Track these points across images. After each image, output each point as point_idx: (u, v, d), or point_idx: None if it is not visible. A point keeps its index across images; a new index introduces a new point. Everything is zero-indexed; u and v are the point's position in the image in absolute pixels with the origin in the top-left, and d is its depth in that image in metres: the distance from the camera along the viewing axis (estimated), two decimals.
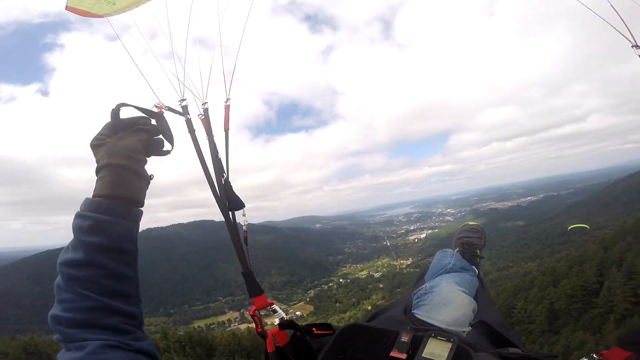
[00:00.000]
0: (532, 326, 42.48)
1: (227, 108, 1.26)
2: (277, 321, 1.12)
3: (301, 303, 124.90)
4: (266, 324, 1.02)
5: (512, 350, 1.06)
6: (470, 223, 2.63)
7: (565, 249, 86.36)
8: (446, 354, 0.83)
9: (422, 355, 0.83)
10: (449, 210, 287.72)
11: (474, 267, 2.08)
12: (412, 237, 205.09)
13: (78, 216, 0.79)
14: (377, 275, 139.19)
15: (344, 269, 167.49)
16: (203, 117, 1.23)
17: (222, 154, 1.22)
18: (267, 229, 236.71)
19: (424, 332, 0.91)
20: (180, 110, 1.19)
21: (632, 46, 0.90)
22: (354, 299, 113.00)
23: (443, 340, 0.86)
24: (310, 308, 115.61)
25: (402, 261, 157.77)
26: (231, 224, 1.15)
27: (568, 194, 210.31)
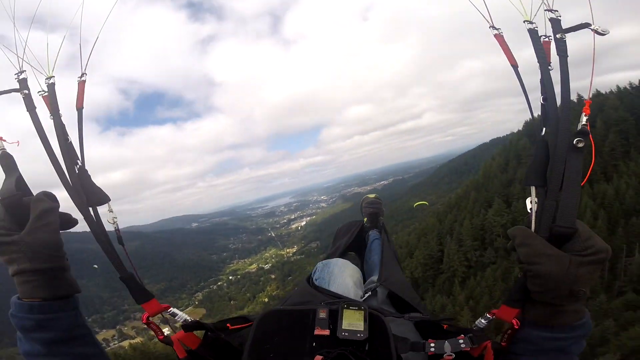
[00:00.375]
0: None
1: (81, 84, 1.04)
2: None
3: (189, 308, 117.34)
4: (172, 331, 0.94)
5: (413, 314, 1.13)
6: (369, 196, 2.93)
7: (412, 223, 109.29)
8: (362, 322, 0.89)
9: (343, 327, 0.88)
10: (322, 197, 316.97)
11: (378, 231, 2.58)
12: (294, 226, 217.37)
13: (13, 316, 0.77)
14: (267, 267, 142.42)
15: (231, 265, 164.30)
16: (46, 94, 0.99)
17: (73, 138, 1.00)
18: (129, 235, 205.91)
19: (337, 304, 0.95)
20: (18, 86, 0.97)
21: (490, 27, 1.00)
22: (248, 294, 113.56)
23: (355, 309, 0.92)
24: (203, 311, 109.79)
25: (288, 250, 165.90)
26: (94, 223, 0.90)
27: (410, 177, 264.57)
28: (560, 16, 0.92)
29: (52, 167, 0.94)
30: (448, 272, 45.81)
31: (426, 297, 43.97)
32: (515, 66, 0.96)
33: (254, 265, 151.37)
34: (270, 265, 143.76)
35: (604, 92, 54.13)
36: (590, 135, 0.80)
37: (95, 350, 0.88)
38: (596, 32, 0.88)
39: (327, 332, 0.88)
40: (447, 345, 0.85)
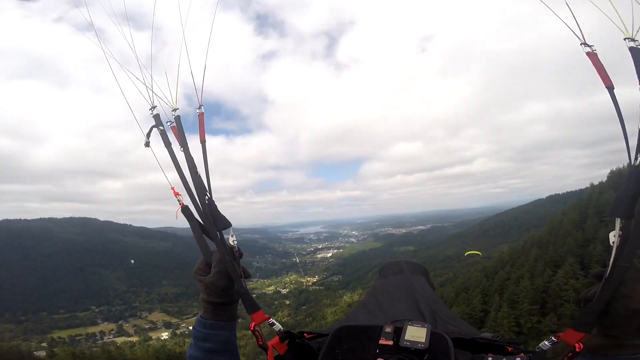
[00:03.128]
0: None
1: (201, 116, 1.16)
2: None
3: (198, 316, 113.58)
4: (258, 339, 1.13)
5: (483, 334, 1.18)
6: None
7: (445, 272, 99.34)
8: (424, 336, 0.99)
9: (405, 339, 1.00)
10: (353, 232, 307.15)
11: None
12: (320, 256, 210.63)
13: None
14: (284, 291, 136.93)
15: (250, 283, 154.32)
16: (174, 124, 1.14)
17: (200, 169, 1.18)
18: (164, 235, 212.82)
19: (402, 322, 1.08)
20: (154, 123, 1.14)
21: (581, 43, 0.93)
22: None
23: (419, 326, 1.03)
24: None
25: (309, 278, 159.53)
26: (221, 245, 1.13)
27: (450, 226, 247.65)
28: None
29: (188, 198, 1.12)
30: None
31: None
32: (610, 87, 0.88)
33: (272, 287, 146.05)
34: (287, 290, 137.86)
35: None
36: None
37: None
38: None
39: (390, 342, 1.01)
40: None
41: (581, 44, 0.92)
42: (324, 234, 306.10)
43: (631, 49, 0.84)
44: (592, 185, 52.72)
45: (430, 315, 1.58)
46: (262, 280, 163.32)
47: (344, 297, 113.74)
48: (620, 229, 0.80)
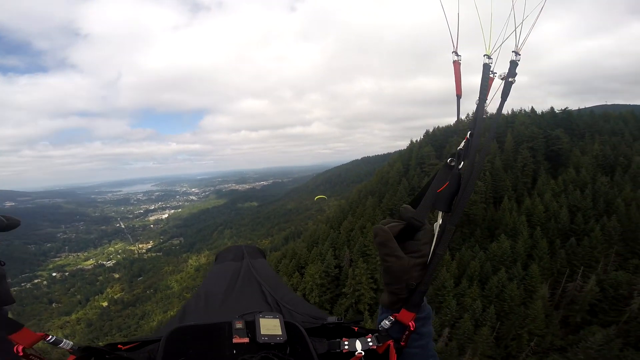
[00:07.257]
0: None
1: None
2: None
3: None
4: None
5: (330, 319, 1.18)
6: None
7: (288, 226, 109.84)
8: (279, 328, 0.93)
9: (262, 333, 0.90)
10: (193, 189, 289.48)
11: None
12: (152, 218, 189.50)
13: None
14: (109, 263, 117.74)
15: (57, 259, 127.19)
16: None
17: None
18: None
19: (252, 315, 0.98)
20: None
21: (453, 52, 0.97)
22: (79, 296, 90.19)
23: (271, 317, 0.97)
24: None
25: (141, 245, 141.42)
26: None
27: (289, 181, 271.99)
28: (519, 60, 0.92)
29: None
30: (352, 296, 36.61)
31: None
32: (459, 96, 0.98)
33: (91, 261, 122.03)
34: (113, 262, 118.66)
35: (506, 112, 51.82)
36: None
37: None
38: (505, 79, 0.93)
39: (246, 339, 0.90)
40: (357, 343, 0.95)
41: (452, 52, 0.97)
42: (157, 193, 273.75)
43: (484, 64, 0.93)
44: (412, 142, 60.59)
45: (274, 302, 1.54)
46: (74, 255, 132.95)
47: (189, 261, 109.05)
48: (441, 221, 0.93)
